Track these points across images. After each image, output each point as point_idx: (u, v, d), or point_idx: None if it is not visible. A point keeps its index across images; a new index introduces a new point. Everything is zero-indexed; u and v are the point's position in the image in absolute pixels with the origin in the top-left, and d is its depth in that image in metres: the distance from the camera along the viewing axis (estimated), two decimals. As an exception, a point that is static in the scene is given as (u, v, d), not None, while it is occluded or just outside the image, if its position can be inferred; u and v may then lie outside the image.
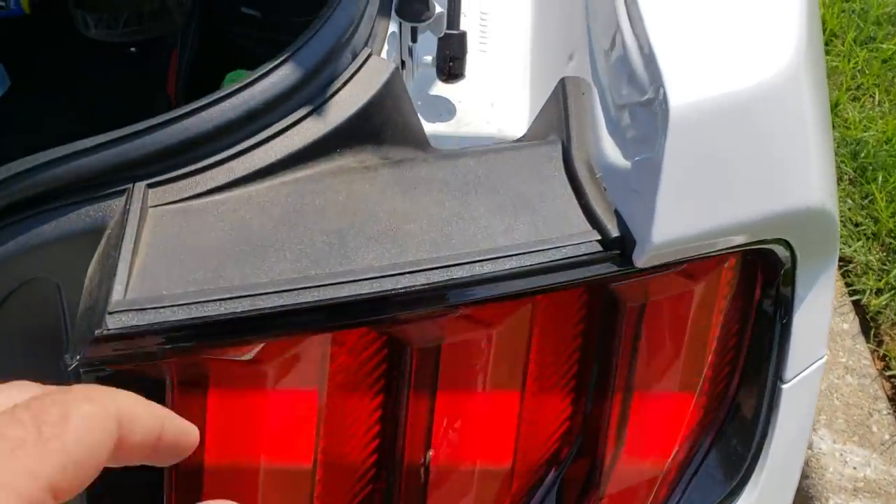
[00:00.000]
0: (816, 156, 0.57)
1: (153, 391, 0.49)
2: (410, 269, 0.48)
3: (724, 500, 0.68)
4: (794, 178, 0.54)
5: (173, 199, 0.50)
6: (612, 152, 0.54)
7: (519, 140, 0.66)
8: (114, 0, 1.32)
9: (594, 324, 0.60)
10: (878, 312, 1.77)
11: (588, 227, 0.52)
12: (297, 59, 0.52)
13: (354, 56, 0.56)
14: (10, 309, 0.52)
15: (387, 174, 0.54)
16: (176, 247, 0.48)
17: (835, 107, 2.09)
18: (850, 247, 1.85)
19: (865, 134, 1.95)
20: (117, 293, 0.45)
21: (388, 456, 0.58)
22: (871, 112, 2.02)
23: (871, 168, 1.90)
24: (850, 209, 1.90)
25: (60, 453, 0.30)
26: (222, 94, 0.50)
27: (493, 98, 0.70)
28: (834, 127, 2.06)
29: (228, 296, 0.45)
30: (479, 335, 0.56)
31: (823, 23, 2.29)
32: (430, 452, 0.58)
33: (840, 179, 1.97)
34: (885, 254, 1.82)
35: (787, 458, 0.70)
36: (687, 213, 0.49)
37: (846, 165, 1.97)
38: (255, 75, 0.51)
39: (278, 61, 0.52)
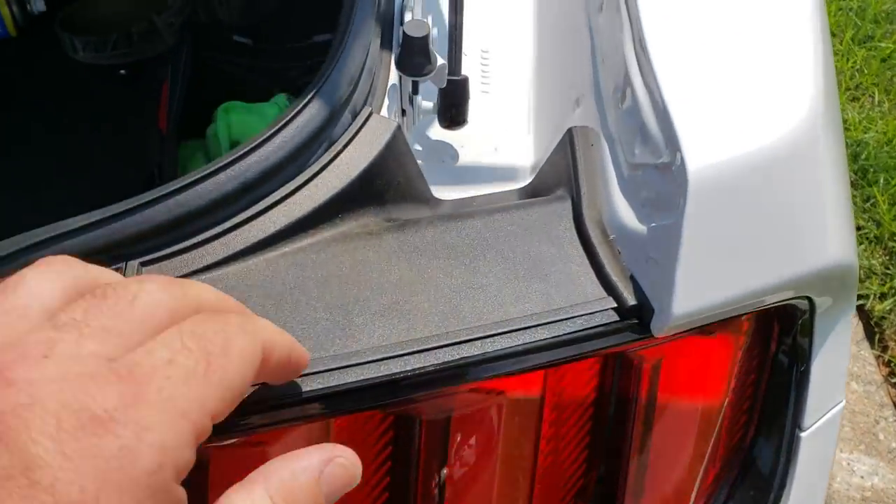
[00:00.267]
0: (837, 209, 0.55)
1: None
2: (419, 348, 0.46)
3: (743, 554, 0.66)
4: (818, 236, 0.52)
5: (168, 278, 0.48)
6: (626, 213, 0.52)
7: (524, 188, 0.64)
8: (102, 22, 1.29)
9: (608, 384, 0.58)
10: (882, 317, 1.76)
11: (603, 293, 0.50)
12: (294, 124, 0.50)
13: (355, 116, 0.53)
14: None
15: (391, 240, 0.52)
16: (172, 331, 0.46)
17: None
18: (852, 251, 1.84)
19: (866, 135, 1.93)
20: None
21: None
22: (870, 112, 2.00)
23: (872, 170, 1.88)
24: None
25: (223, 383, 0.32)
26: (217, 165, 0.48)
27: (496, 143, 0.68)
28: (833, 127, 2.04)
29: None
30: (490, 403, 0.54)
31: (820, 21, 2.26)
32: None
33: (841, 181, 1.95)
34: (888, 257, 1.80)
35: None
36: (708, 282, 0.47)
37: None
38: (252, 144, 0.49)
39: (275, 129, 0.49)
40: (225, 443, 0.47)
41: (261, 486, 0.34)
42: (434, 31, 0.57)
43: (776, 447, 0.66)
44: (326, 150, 0.52)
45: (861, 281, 1.80)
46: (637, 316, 0.49)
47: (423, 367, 0.45)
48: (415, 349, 0.46)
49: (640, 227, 0.50)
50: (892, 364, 1.70)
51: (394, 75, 0.60)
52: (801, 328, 0.62)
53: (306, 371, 0.44)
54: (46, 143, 1.25)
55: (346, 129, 0.53)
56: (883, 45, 2.13)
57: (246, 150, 0.49)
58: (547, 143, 0.66)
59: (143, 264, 0.48)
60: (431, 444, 0.52)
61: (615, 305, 0.49)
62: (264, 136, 0.49)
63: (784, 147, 0.49)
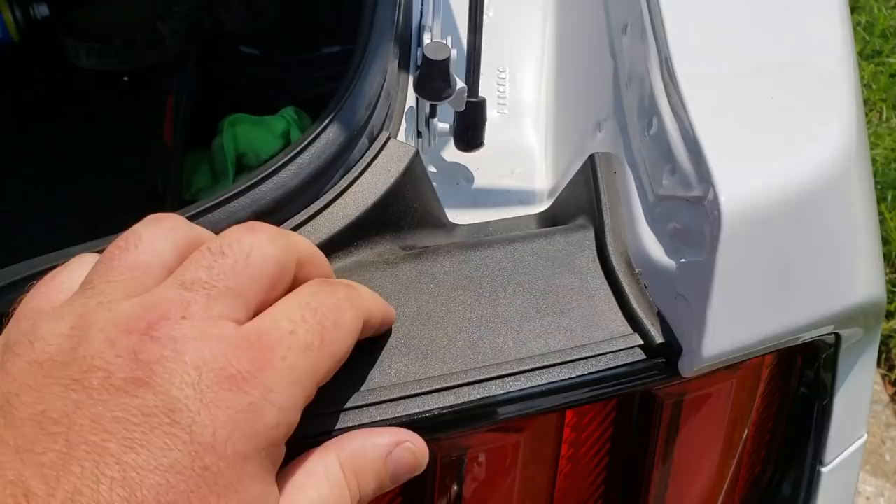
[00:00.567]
0: (868, 242, 0.53)
1: None
2: (438, 387, 0.44)
3: (762, 593, 0.64)
4: (851, 272, 0.51)
5: (178, 310, 0.46)
6: (653, 246, 0.50)
7: (541, 214, 0.62)
8: (105, 28, 1.27)
9: (628, 418, 0.56)
10: (889, 336, 1.74)
11: (629, 330, 0.48)
12: (310, 151, 0.48)
13: (372, 140, 0.52)
14: None
15: (408, 270, 0.50)
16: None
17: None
18: (859, 268, 1.82)
19: (873, 151, 1.91)
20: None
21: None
22: (878, 128, 1.99)
23: (879, 187, 1.86)
24: (858, 229, 1.87)
25: (333, 355, 0.37)
26: (229, 194, 0.46)
27: (512, 166, 0.66)
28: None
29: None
30: (507, 442, 0.52)
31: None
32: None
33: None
34: (895, 276, 1.78)
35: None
36: (740, 322, 0.45)
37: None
38: (267, 171, 0.47)
39: (291, 155, 0.48)
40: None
41: (333, 452, 0.38)
42: (454, 53, 0.56)
43: (796, 482, 0.64)
44: (343, 175, 0.50)
45: (868, 299, 1.79)
46: (665, 355, 0.47)
47: (442, 408, 0.44)
48: (434, 388, 0.44)
49: (668, 262, 0.48)
50: (898, 383, 1.69)
51: (411, 97, 0.58)
52: (824, 362, 0.60)
53: (316, 412, 0.42)
54: (46, 151, 1.23)
55: (363, 154, 0.51)
56: (891, 60, 2.12)
57: (260, 176, 0.47)
58: (565, 167, 0.64)
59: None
60: (445, 482, 0.51)
61: (641, 343, 0.47)
62: (279, 163, 0.47)
63: (818, 181, 0.48)
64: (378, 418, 0.43)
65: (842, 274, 0.50)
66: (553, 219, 0.61)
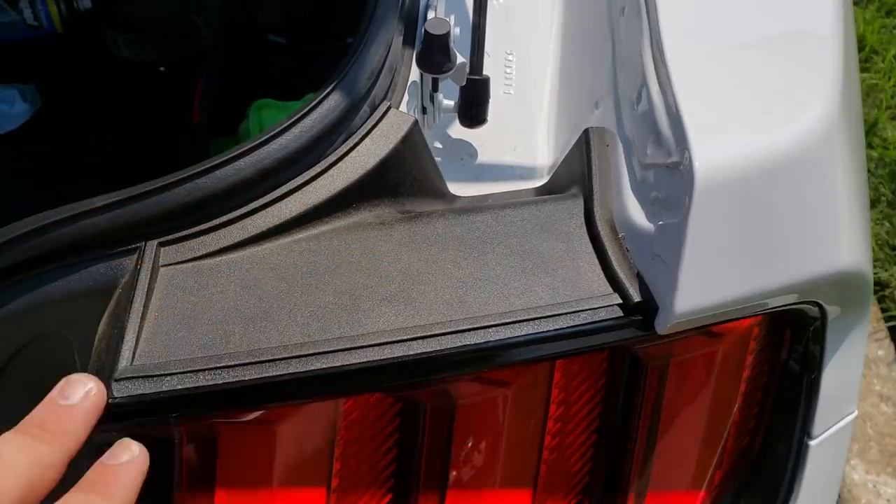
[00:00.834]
0: (851, 216, 0.55)
1: (163, 450, 0.48)
2: (423, 335, 0.47)
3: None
4: (827, 241, 0.52)
5: (185, 259, 0.50)
6: (636, 213, 0.52)
7: (540, 188, 0.65)
8: (143, 20, 1.32)
9: (616, 382, 0.58)
10: (916, 341, 1.73)
11: (609, 289, 0.51)
12: (313, 116, 0.51)
13: (373, 109, 0.55)
14: (24, 364, 0.52)
15: (403, 230, 0.53)
16: (186, 309, 0.47)
17: (873, 126, 2.04)
18: (886, 271, 1.81)
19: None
20: (125, 358, 0.44)
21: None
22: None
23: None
24: (887, 232, 1.86)
25: None
26: (236, 152, 0.49)
27: (515, 143, 0.69)
28: (872, 147, 2.01)
29: (236, 363, 0.45)
30: (496, 394, 0.54)
31: (863, 39, 2.24)
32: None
33: (877, 202, 1.92)
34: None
35: (814, 517, 0.68)
36: (712, 281, 0.48)
37: (884, 187, 1.93)
38: (271, 133, 0.50)
39: (294, 119, 0.51)
40: (234, 420, 0.49)
41: None
42: (457, 31, 0.59)
43: (785, 454, 0.66)
44: (344, 141, 0.53)
45: (894, 301, 1.78)
46: (641, 313, 0.50)
47: (426, 352, 0.46)
48: (418, 335, 0.47)
49: (649, 226, 0.51)
50: (923, 387, 1.68)
51: (415, 73, 0.61)
52: (812, 335, 0.62)
53: (312, 351, 0.46)
54: (84, 137, 1.28)
55: (364, 122, 0.54)
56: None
57: (265, 138, 0.50)
58: (565, 143, 0.66)
59: (161, 244, 0.50)
60: (436, 433, 0.53)
61: (620, 302, 0.50)
62: (283, 126, 0.51)
63: (794, 150, 0.50)
64: (366, 359, 0.46)
65: (817, 242, 0.52)
66: (551, 191, 0.63)
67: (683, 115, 0.49)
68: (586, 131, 0.60)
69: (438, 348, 0.47)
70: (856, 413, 0.68)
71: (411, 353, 0.46)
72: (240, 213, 0.50)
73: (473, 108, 0.64)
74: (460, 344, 0.47)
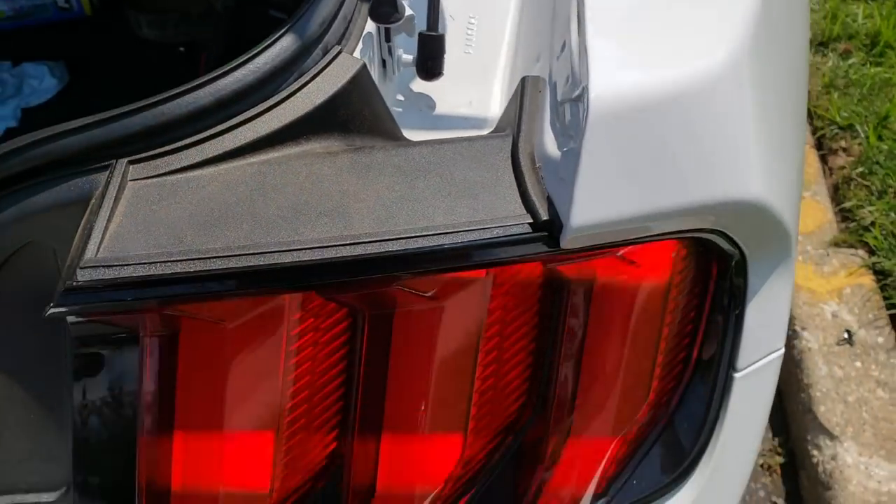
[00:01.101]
0: (758, 151, 0.60)
1: (126, 341, 0.56)
2: (351, 241, 0.54)
3: (671, 482, 0.71)
4: (726, 171, 0.58)
5: (150, 175, 0.57)
6: (550, 144, 0.59)
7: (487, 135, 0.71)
8: (164, 3, 1.41)
9: (546, 311, 0.64)
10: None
11: (522, 211, 0.57)
12: (267, 53, 0.58)
13: (325, 53, 0.62)
14: (12, 271, 0.59)
15: (346, 158, 0.60)
16: (148, 215, 0.55)
17: (884, 119, 2.07)
18: (889, 260, 1.84)
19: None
20: (90, 251, 0.52)
21: (346, 416, 0.64)
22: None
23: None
24: (892, 222, 1.88)
25: None
26: (196, 83, 0.57)
27: (471, 97, 0.75)
28: (883, 139, 2.04)
29: (185, 258, 0.52)
30: (430, 306, 0.61)
31: (878, 34, 2.26)
32: (385, 415, 0.63)
33: (885, 192, 1.95)
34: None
35: (738, 445, 0.73)
36: (605, 199, 0.54)
37: (891, 179, 1.95)
38: (227, 67, 0.57)
39: (250, 55, 0.58)
40: (193, 316, 0.56)
41: None
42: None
43: (711, 385, 0.71)
44: (297, 79, 0.60)
45: (895, 289, 1.80)
46: (548, 230, 0.56)
47: (352, 256, 0.53)
48: (347, 242, 0.54)
49: (557, 153, 0.57)
50: (921, 373, 1.70)
51: (371, 26, 0.68)
52: (735, 270, 0.67)
53: (252, 251, 0.53)
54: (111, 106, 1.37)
55: (316, 63, 0.61)
56: None
57: (222, 71, 0.57)
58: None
59: (131, 162, 0.57)
60: (374, 338, 0.60)
61: (530, 220, 0.56)
62: (239, 62, 0.58)
63: (691, 86, 0.55)
64: (298, 259, 0.53)
65: (718, 171, 0.57)
66: (494, 137, 0.70)
67: (590, 52, 0.55)
68: (523, 80, 0.66)
69: (364, 253, 0.54)
70: (783, 350, 0.73)
71: (339, 256, 0.53)
72: (199, 138, 0.57)
73: (429, 61, 0.71)
74: (383, 250, 0.54)
